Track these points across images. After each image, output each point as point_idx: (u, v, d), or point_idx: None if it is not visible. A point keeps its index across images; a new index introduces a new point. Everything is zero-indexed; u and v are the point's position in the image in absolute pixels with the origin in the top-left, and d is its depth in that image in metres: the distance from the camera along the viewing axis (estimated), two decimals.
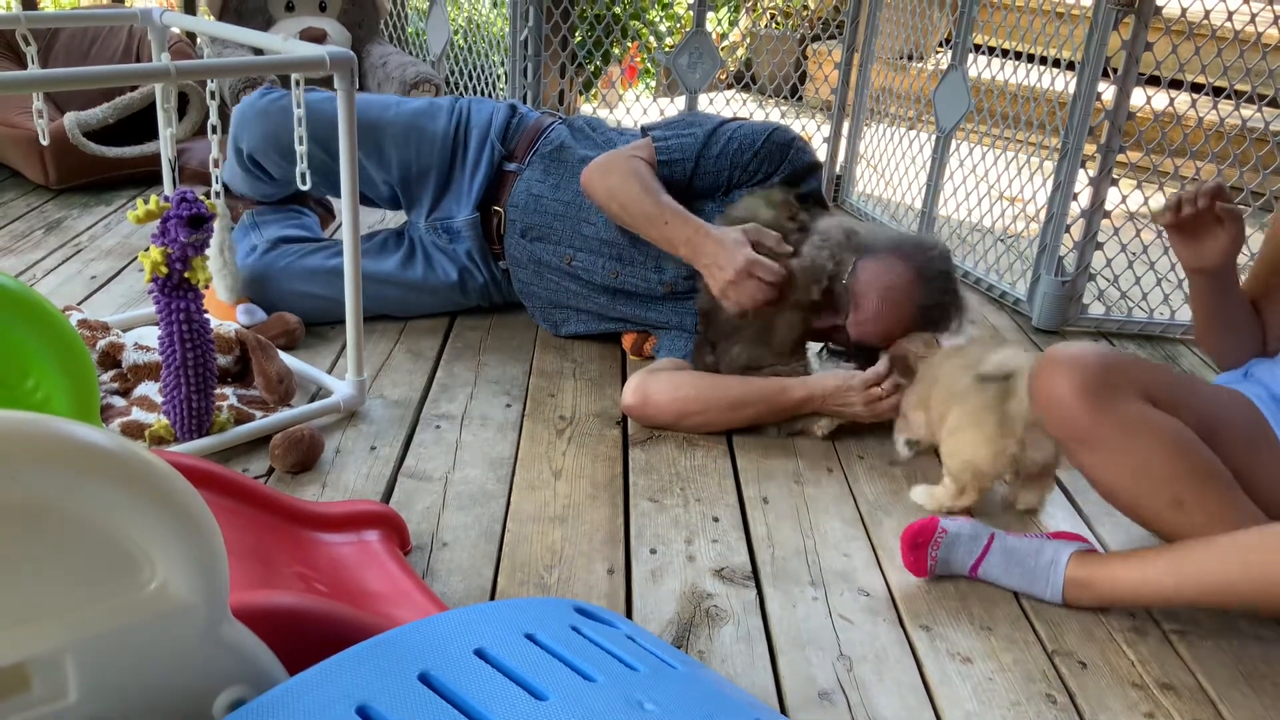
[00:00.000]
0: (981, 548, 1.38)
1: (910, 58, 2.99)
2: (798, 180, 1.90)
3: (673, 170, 1.87)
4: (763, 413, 1.78)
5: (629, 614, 1.31)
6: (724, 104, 3.21)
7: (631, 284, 1.94)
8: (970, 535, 1.39)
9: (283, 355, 1.78)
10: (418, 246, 2.11)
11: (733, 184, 1.89)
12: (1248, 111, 2.28)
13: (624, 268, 1.93)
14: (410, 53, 3.60)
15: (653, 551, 1.44)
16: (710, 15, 2.76)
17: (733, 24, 5.15)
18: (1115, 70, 2.16)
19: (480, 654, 0.78)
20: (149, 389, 1.67)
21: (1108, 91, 2.19)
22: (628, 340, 2.04)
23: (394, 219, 2.62)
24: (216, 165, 1.68)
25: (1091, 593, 1.35)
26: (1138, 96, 2.21)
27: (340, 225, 1.82)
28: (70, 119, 2.63)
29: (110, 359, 1.71)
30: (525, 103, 2.72)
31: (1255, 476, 1.37)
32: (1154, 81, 2.31)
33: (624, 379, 1.94)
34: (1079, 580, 1.35)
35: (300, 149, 1.56)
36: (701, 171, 1.88)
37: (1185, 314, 2.42)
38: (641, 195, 1.80)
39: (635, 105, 3.16)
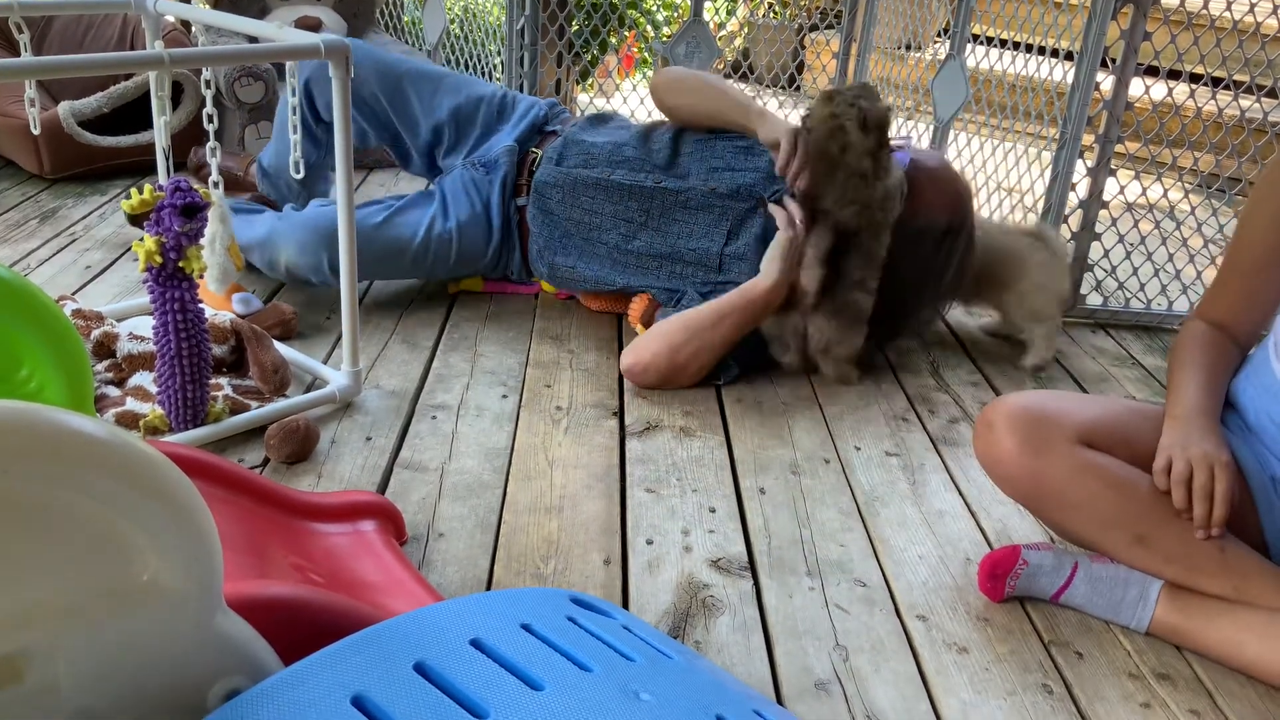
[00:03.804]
0: (1065, 578, 1.35)
1: (908, 47, 2.98)
2: None
3: None
4: (746, 316, 1.85)
5: (625, 604, 1.31)
6: None
7: (673, 184, 2.00)
8: (1053, 566, 1.36)
9: (278, 345, 1.77)
10: (442, 192, 2.13)
11: None
12: (1246, 102, 2.27)
13: (667, 176, 2.01)
14: (406, 41, 3.58)
15: (649, 542, 1.44)
16: (707, 4, 2.75)
17: (730, 13, 5.14)
18: (1114, 60, 2.16)
19: (476, 644, 0.77)
20: (144, 379, 1.66)
21: (1106, 81, 2.18)
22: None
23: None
24: (214, 155, 1.67)
25: (1178, 640, 1.32)
26: (1136, 87, 2.21)
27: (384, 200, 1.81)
28: (65, 108, 2.62)
29: (105, 349, 1.71)
30: (522, 91, 2.72)
31: None
32: (1152, 72, 2.31)
33: (620, 371, 1.94)
34: (1169, 625, 1.32)
35: (294, 137, 1.56)
36: None
37: (1182, 305, 2.42)
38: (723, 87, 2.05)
39: (632, 95, 3.15)
